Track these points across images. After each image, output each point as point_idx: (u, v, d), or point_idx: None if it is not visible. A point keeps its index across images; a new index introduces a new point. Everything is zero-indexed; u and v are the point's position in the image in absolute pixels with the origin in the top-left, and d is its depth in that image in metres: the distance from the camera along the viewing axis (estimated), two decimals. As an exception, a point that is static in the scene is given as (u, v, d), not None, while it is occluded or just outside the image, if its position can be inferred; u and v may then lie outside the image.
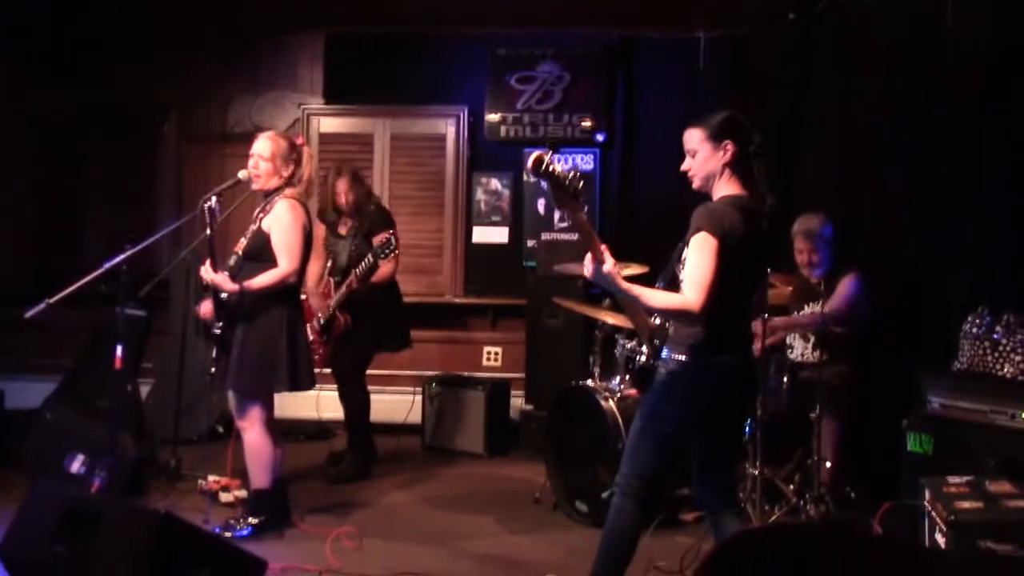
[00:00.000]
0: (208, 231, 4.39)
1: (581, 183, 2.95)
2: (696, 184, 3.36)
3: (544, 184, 3.05)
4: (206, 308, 4.60)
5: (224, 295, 4.43)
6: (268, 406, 4.57)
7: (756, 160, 3.29)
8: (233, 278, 4.40)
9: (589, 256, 3.11)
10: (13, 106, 7.43)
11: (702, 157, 3.31)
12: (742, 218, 3.17)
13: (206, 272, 4.40)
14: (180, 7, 7.00)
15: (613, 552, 3.37)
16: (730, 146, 3.26)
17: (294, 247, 4.46)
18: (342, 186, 5.72)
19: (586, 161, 7.06)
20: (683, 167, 3.37)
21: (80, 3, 6.89)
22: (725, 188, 3.30)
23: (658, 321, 3.34)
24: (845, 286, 5.03)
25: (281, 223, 4.46)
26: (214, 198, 4.41)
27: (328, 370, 5.66)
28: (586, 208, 3.10)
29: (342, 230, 5.80)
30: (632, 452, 3.35)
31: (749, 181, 3.30)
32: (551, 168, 2.91)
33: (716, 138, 3.27)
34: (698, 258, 3.10)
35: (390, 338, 5.91)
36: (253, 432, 4.48)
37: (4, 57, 7.31)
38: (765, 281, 3.60)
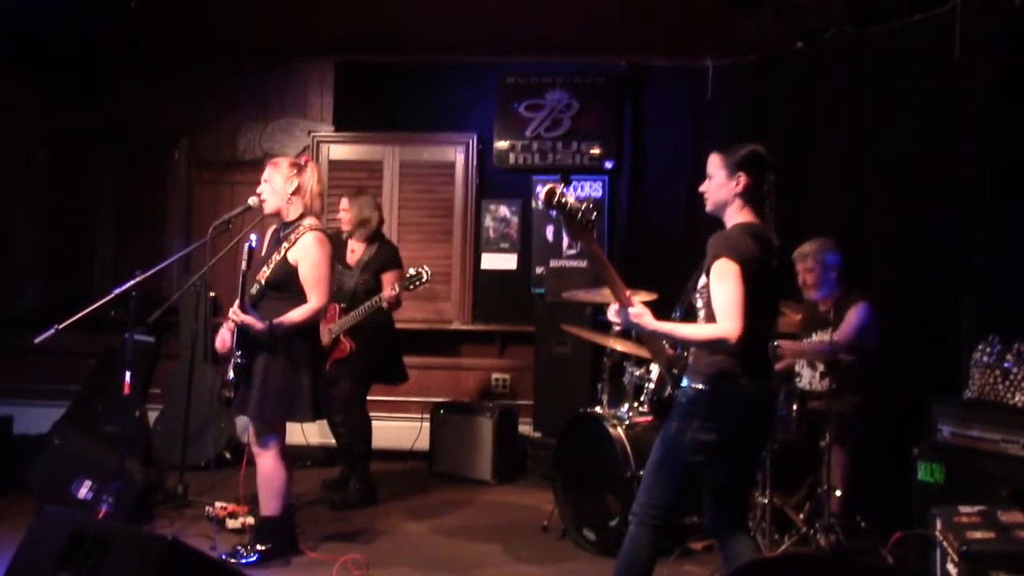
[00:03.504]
0: (243, 266, 4.36)
1: (594, 214, 2.97)
2: (708, 207, 3.42)
3: (553, 214, 3.08)
4: (223, 341, 4.59)
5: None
6: (283, 433, 4.57)
7: (767, 198, 3.35)
8: (254, 306, 4.40)
9: (615, 305, 3.13)
10: (24, 131, 7.50)
11: (716, 183, 3.37)
12: (757, 245, 3.21)
13: (235, 314, 4.34)
14: (191, 35, 7.07)
15: None
16: (743, 178, 3.31)
17: (324, 283, 4.48)
18: (342, 204, 5.83)
19: (595, 188, 7.08)
20: (701, 188, 3.44)
21: (92, 29, 6.96)
22: (738, 216, 3.34)
23: (676, 350, 3.34)
24: (855, 314, 5.01)
25: (311, 258, 4.45)
26: (254, 236, 4.40)
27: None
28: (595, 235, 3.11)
29: (350, 260, 5.84)
30: (650, 481, 3.34)
31: (762, 214, 3.35)
32: (563, 200, 2.93)
33: (731, 168, 3.33)
34: (724, 285, 3.13)
35: (389, 370, 5.95)
36: (268, 459, 4.47)
37: (17, 81, 7.38)
38: (778, 313, 3.62)
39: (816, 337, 5.14)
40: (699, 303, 3.30)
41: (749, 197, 3.33)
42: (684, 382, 3.32)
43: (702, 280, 3.24)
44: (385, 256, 5.85)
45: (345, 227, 5.85)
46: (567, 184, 2.79)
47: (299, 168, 4.61)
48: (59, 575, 3.01)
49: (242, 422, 4.61)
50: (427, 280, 5.46)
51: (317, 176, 4.68)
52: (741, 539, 3.44)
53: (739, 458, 3.43)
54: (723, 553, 3.50)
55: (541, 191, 2.93)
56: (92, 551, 2.99)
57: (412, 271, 5.48)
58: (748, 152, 3.35)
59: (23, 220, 7.52)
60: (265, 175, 4.61)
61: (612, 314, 3.19)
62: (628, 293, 3.14)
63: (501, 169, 7.23)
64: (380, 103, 7.37)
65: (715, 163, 3.39)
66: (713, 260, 3.17)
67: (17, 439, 5.91)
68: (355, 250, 5.87)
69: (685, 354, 3.34)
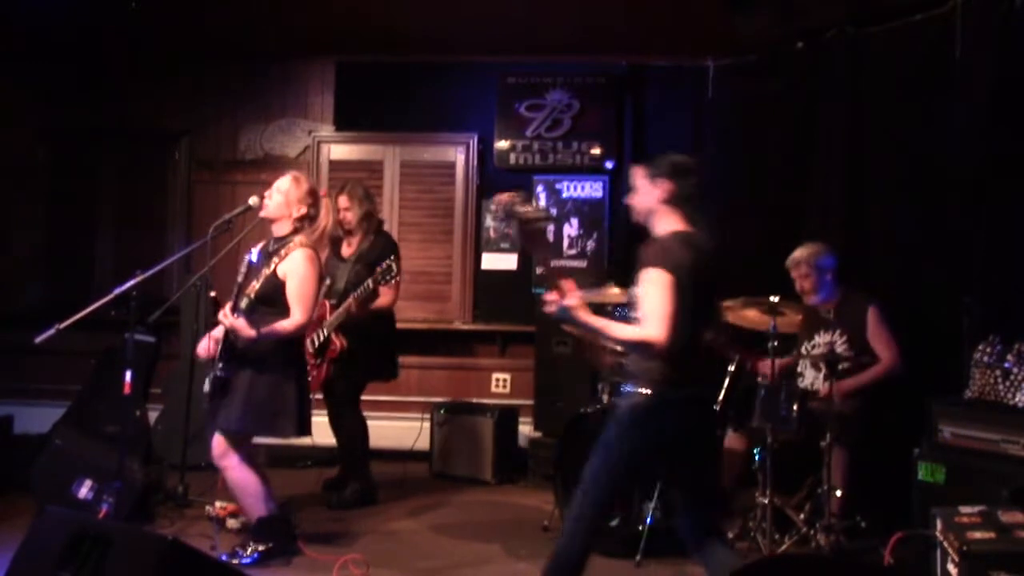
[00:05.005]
0: (240, 278, 4.39)
1: (546, 225, 3.14)
2: (636, 217, 3.55)
3: (498, 222, 3.35)
4: (206, 348, 4.58)
5: (233, 336, 4.39)
6: (247, 442, 4.57)
7: (691, 202, 3.46)
8: (243, 317, 4.38)
9: (553, 294, 3.25)
10: (24, 130, 7.51)
11: (640, 193, 3.50)
12: (689, 253, 3.31)
13: (225, 317, 4.34)
14: (192, 35, 7.07)
15: None
16: (665, 184, 3.43)
17: (309, 299, 4.47)
18: (343, 202, 5.74)
19: (595, 188, 7.08)
20: (626, 200, 3.59)
21: (93, 29, 6.97)
22: (666, 223, 3.45)
23: (617, 357, 3.42)
24: (878, 325, 4.99)
25: (299, 274, 4.45)
26: (254, 250, 4.41)
27: (320, 396, 5.62)
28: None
29: (345, 253, 5.81)
30: (588, 483, 3.41)
31: (692, 218, 3.46)
32: (519, 211, 3.11)
33: (652, 176, 3.46)
34: (654, 293, 3.22)
35: (383, 367, 5.91)
36: (234, 470, 4.46)
37: (18, 81, 7.39)
38: (720, 316, 3.71)
39: (819, 339, 5.14)
40: (634, 312, 3.37)
41: (674, 202, 3.43)
42: (625, 388, 3.41)
43: (634, 289, 3.33)
44: (382, 248, 5.72)
45: (348, 224, 5.80)
46: (521, 196, 3.05)
47: (316, 199, 4.61)
48: (59, 575, 3.01)
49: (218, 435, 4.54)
50: (396, 273, 5.39)
51: (332, 217, 4.71)
52: (718, 547, 3.45)
53: (688, 462, 3.47)
54: (699, 557, 3.51)
55: (494, 202, 3.12)
56: (92, 551, 3.00)
57: (383, 265, 5.40)
58: (668, 160, 3.49)
59: (23, 220, 7.52)
60: (282, 185, 4.58)
61: (549, 302, 3.29)
62: (568, 285, 3.26)
63: (502, 169, 7.22)
64: (380, 103, 7.37)
65: (637, 174, 3.53)
66: (645, 269, 3.27)
67: (17, 439, 5.91)
68: (351, 243, 5.84)
69: (625, 362, 3.42)
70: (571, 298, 3.22)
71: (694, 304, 3.27)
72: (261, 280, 4.46)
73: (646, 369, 3.32)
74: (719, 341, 3.73)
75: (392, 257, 5.43)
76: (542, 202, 2.93)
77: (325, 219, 4.63)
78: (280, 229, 4.59)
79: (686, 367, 3.30)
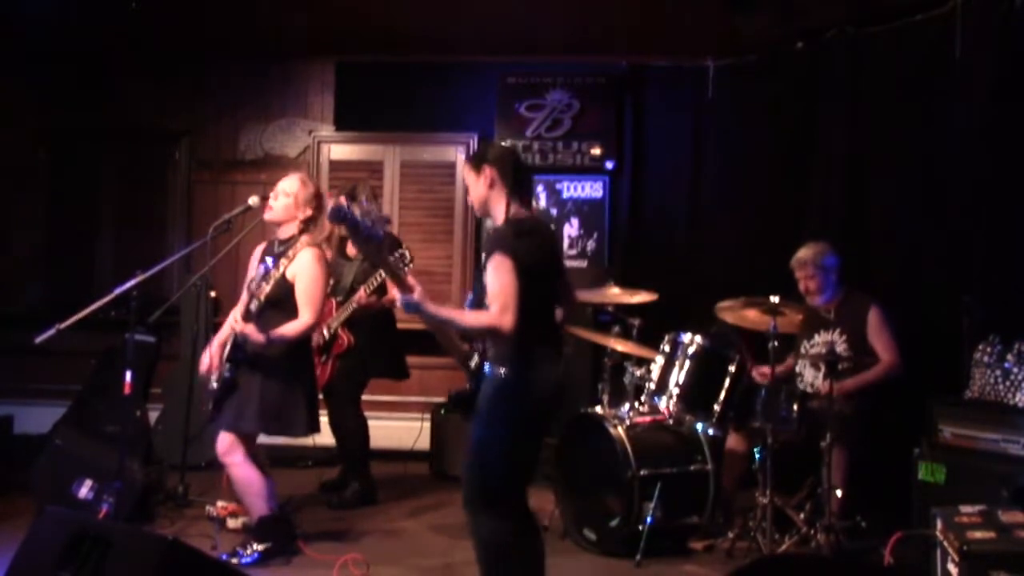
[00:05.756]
0: (257, 284, 4.39)
1: (382, 225, 3.23)
2: (477, 212, 3.63)
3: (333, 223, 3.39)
4: (208, 362, 4.55)
5: (242, 340, 4.40)
6: (251, 440, 4.58)
7: (519, 184, 3.52)
8: (253, 321, 4.37)
9: (396, 292, 3.32)
10: (25, 130, 7.51)
11: (470, 186, 3.57)
12: (524, 235, 3.39)
13: (237, 324, 4.35)
14: (192, 35, 7.07)
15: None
16: (487, 171, 3.48)
17: (317, 300, 4.48)
18: (342, 201, 5.73)
19: (595, 188, 7.07)
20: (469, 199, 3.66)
21: (93, 29, 6.97)
22: (501, 208, 3.51)
23: (473, 344, 3.52)
24: (879, 326, 4.97)
25: (309, 275, 4.44)
26: (269, 259, 4.42)
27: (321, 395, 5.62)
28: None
29: (351, 252, 5.81)
30: (473, 474, 3.46)
31: (524, 199, 3.54)
32: (349, 216, 3.19)
33: (475, 167, 3.52)
34: (497, 279, 3.29)
35: (385, 366, 5.92)
36: (239, 467, 4.46)
37: (18, 81, 7.39)
38: (569, 291, 3.77)
39: (819, 338, 5.13)
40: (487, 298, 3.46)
41: (501, 187, 3.49)
42: (487, 369, 3.46)
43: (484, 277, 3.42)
44: (387, 245, 5.74)
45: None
46: (352, 199, 3.14)
47: (321, 201, 4.60)
48: (59, 575, 3.01)
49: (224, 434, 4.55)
50: (411, 261, 5.39)
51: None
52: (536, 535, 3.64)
53: (536, 440, 3.53)
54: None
55: (329, 205, 3.14)
56: (92, 551, 2.99)
57: (396, 253, 5.38)
58: (485, 148, 3.62)
59: (23, 220, 7.52)
60: (289, 187, 4.56)
61: (397, 299, 3.35)
62: (412, 281, 3.34)
63: (502, 169, 7.21)
64: (380, 103, 7.36)
65: (464, 170, 3.60)
66: (488, 256, 3.34)
67: (17, 439, 5.91)
68: None
69: (481, 347, 3.51)
70: (416, 293, 3.29)
71: (539, 284, 3.37)
72: (271, 283, 4.45)
73: (501, 350, 3.40)
74: (569, 315, 3.79)
75: (404, 246, 5.47)
76: (377, 208, 3.02)
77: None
78: (286, 232, 4.59)
79: (540, 344, 3.40)
